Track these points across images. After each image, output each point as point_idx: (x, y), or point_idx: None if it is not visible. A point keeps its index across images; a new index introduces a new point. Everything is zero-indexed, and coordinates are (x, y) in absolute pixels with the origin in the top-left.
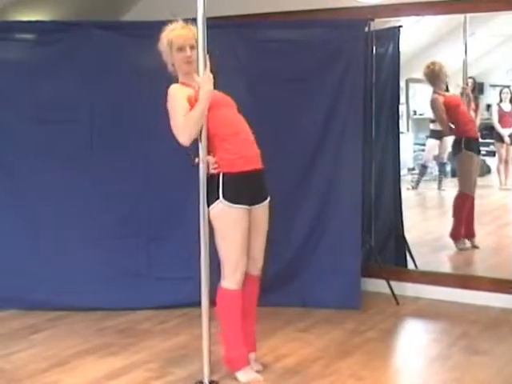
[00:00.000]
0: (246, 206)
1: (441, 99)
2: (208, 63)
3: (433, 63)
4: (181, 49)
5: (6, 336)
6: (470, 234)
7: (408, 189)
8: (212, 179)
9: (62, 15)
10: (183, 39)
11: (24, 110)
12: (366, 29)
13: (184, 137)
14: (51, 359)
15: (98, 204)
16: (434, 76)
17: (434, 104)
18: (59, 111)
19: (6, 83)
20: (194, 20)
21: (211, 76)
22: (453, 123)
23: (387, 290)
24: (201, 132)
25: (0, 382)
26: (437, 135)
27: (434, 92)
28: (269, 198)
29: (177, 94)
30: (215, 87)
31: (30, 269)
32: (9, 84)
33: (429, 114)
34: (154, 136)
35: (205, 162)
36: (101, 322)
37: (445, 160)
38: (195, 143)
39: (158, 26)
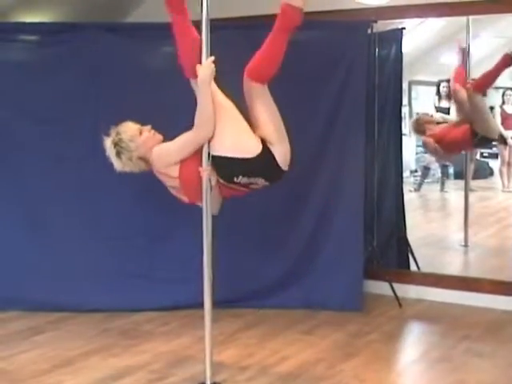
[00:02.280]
0: None
1: (431, 140)
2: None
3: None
4: (140, 131)
5: (9, 337)
6: None
7: (410, 191)
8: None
9: (65, 17)
10: (131, 127)
11: (28, 110)
12: (369, 30)
13: (205, 130)
14: (54, 360)
15: (100, 205)
16: (418, 129)
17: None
18: (63, 112)
19: (11, 84)
20: (198, 22)
21: (212, 66)
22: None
23: (390, 292)
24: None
25: (3, 383)
26: None
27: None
28: None
29: (162, 145)
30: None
31: (32, 270)
32: (13, 85)
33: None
34: None
35: (206, 170)
36: (103, 324)
37: (447, 162)
38: None
39: (161, 28)
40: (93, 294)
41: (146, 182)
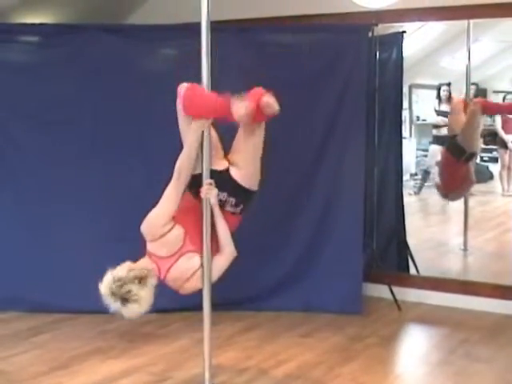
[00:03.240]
0: None
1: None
2: None
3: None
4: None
5: (8, 338)
6: None
7: (410, 194)
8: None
9: (66, 18)
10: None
11: (27, 111)
12: (370, 34)
13: (187, 170)
14: (53, 362)
15: (99, 206)
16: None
17: None
18: (62, 113)
19: (10, 85)
20: (198, 24)
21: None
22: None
23: (389, 296)
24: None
25: (1, 383)
26: (440, 141)
27: None
28: None
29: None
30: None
31: (32, 270)
32: (12, 86)
33: (432, 119)
34: (157, 138)
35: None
36: (102, 325)
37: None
38: None
39: (162, 30)
40: (92, 296)
41: (147, 183)
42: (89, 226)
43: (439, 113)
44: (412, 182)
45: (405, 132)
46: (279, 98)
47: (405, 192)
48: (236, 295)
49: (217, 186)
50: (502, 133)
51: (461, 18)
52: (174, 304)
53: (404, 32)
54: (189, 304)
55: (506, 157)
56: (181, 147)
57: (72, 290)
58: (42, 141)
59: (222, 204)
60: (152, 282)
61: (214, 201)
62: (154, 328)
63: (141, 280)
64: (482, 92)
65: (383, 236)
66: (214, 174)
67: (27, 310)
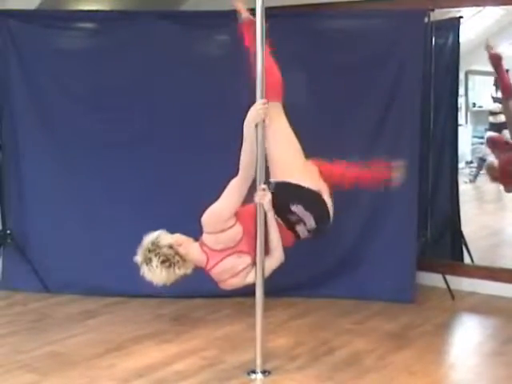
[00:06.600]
0: None
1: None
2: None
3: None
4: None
5: (63, 320)
6: None
7: (466, 182)
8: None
9: (121, 5)
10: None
11: (83, 97)
12: (426, 19)
13: (247, 171)
14: (107, 344)
15: (155, 192)
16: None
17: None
18: (118, 100)
19: (67, 71)
20: (253, 10)
21: (261, 111)
22: None
23: (443, 284)
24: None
25: (55, 365)
26: (496, 128)
27: None
28: None
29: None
30: None
31: (88, 254)
32: (69, 72)
33: (488, 106)
34: (211, 127)
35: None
36: (156, 309)
37: None
38: None
39: (216, 16)
40: (145, 280)
41: (204, 170)
42: (142, 211)
43: (496, 99)
44: (467, 170)
45: (460, 119)
46: (334, 83)
47: (460, 180)
48: (288, 282)
49: (307, 204)
50: None
51: None
52: (224, 290)
53: (461, 17)
54: (240, 291)
55: None
56: (236, 133)
57: (125, 274)
58: (96, 125)
59: (295, 221)
60: (179, 271)
61: (267, 206)
62: (205, 313)
63: (180, 259)
64: None
65: (438, 224)
66: (297, 190)
67: (82, 293)
